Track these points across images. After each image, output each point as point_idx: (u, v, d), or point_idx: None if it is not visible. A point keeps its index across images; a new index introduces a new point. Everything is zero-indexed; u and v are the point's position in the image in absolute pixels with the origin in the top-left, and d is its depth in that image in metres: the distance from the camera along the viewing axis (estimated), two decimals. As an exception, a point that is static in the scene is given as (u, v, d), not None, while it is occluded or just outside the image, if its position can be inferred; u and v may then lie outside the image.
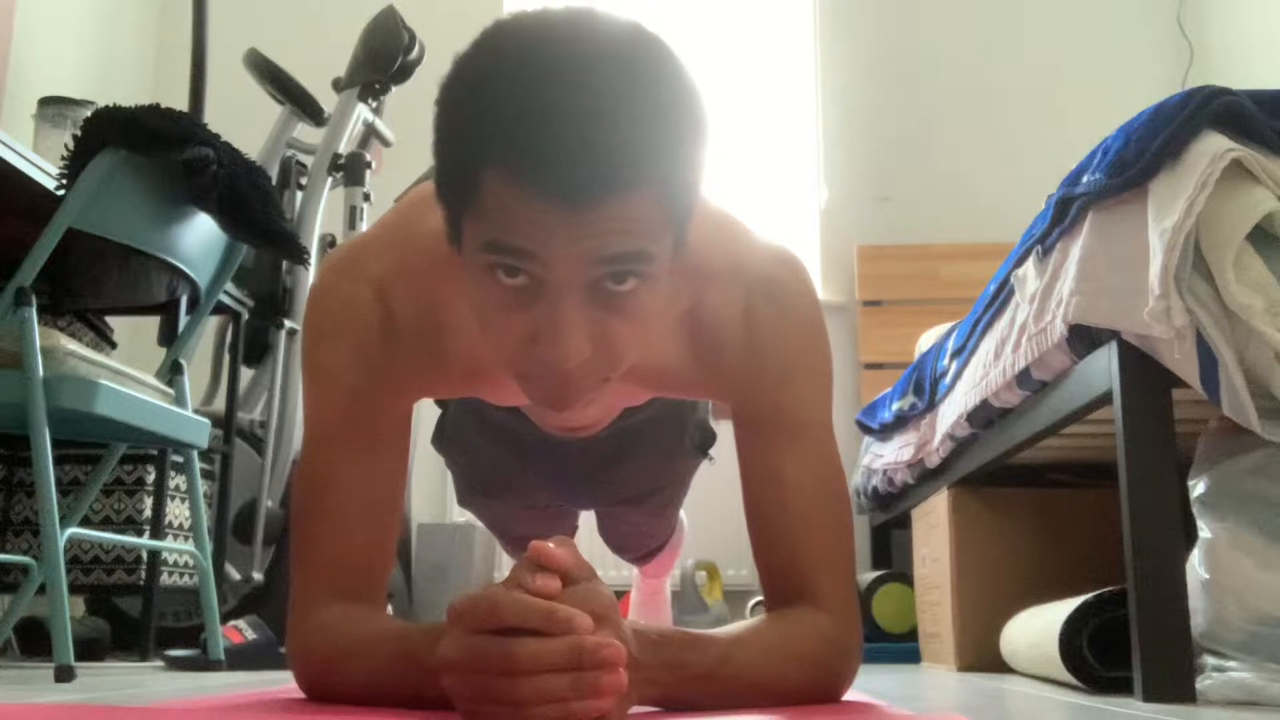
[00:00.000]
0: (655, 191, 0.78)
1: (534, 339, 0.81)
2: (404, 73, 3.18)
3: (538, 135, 0.74)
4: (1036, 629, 1.72)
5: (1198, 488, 1.41)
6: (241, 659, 2.10)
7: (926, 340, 2.95)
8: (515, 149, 0.75)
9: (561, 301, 0.79)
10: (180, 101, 2.58)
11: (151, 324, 2.91)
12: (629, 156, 0.75)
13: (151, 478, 2.56)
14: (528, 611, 0.73)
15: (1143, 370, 1.39)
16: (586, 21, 0.80)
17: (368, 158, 3.09)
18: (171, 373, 2.09)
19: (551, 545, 0.76)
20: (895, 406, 2.62)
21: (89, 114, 1.79)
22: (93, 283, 2.06)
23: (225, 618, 2.28)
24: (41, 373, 1.68)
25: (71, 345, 1.77)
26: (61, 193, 1.74)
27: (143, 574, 2.52)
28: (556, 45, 0.77)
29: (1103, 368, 1.46)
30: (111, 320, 2.68)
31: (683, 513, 1.91)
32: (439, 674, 0.77)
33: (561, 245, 0.76)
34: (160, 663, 2.21)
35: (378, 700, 0.92)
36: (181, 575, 2.63)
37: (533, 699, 0.72)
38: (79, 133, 1.75)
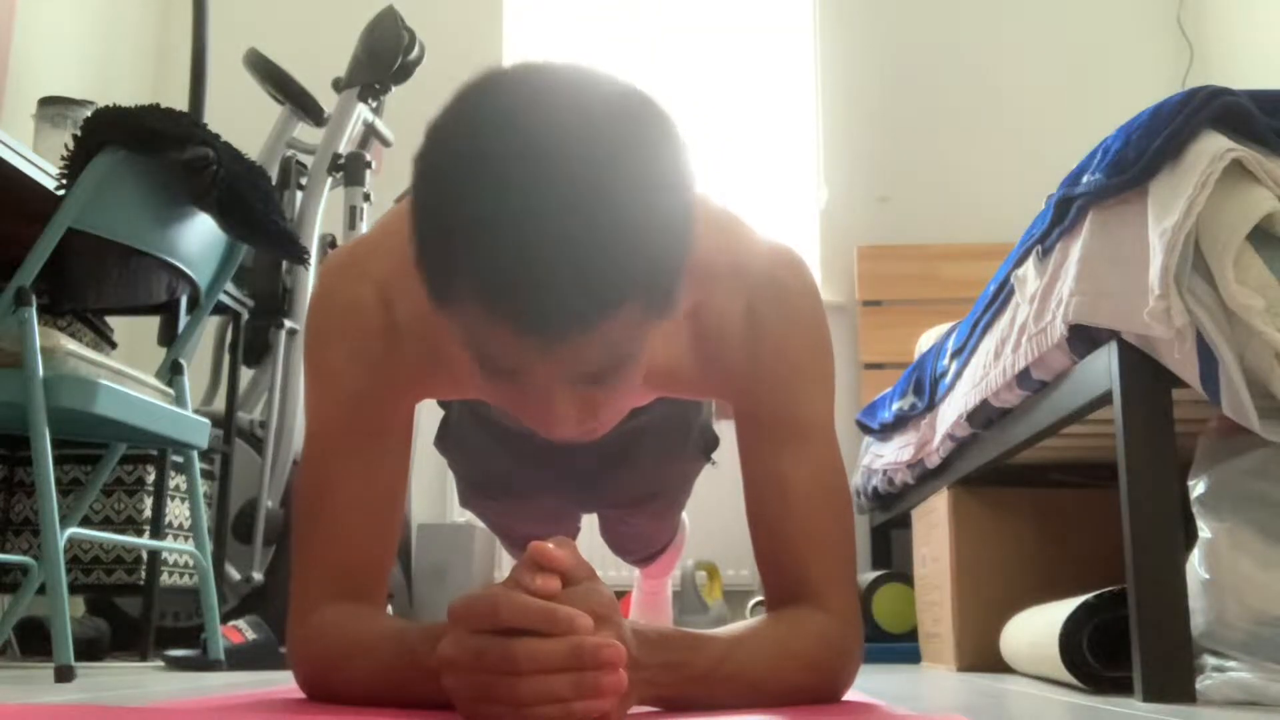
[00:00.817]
0: (636, 305, 0.75)
1: (524, 405, 0.82)
2: (404, 73, 3.18)
3: (507, 263, 0.71)
4: (1036, 629, 1.72)
5: (1198, 488, 1.41)
6: (241, 659, 2.10)
7: (926, 340, 2.95)
8: (485, 275, 0.72)
9: (547, 398, 0.80)
10: (180, 101, 2.59)
11: (151, 324, 2.91)
12: (604, 282, 0.72)
13: (151, 478, 2.56)
14: (528, 612, 0.73)
15: (1143, 370, 1.39)
16: (566, 97, 0.75)
17: (368, 158, 3.09)
18: (171, 373, 2.09)
19: (551, 546, 0.76)
20: (895, 406, 2.62)
21: (89, 114, 1.79)
22: (93, 283, 2.06)
23: (225, 618, 2.28)
24: (41, 373, 1.68)
25: (71, 345, 1.77)
26: (61, 193, 1.74)
27: (143, 574, 2.52)
28: (531, 134, 0.72)
29: (1103, 368, 1.46)
30: (111, 320, 2.68)
31: (684, 514, 1.91)
32: (439, 674, 0.77)
33: (541, 366, 0.76)
34: (160, 663, 2.21)
35: (378, 700, 0.92)
36: (181, 575, 2.63)
37: (533, 699, 0.72)
38: (79, 133, 1.75)
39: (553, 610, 0.73)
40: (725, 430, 1.31)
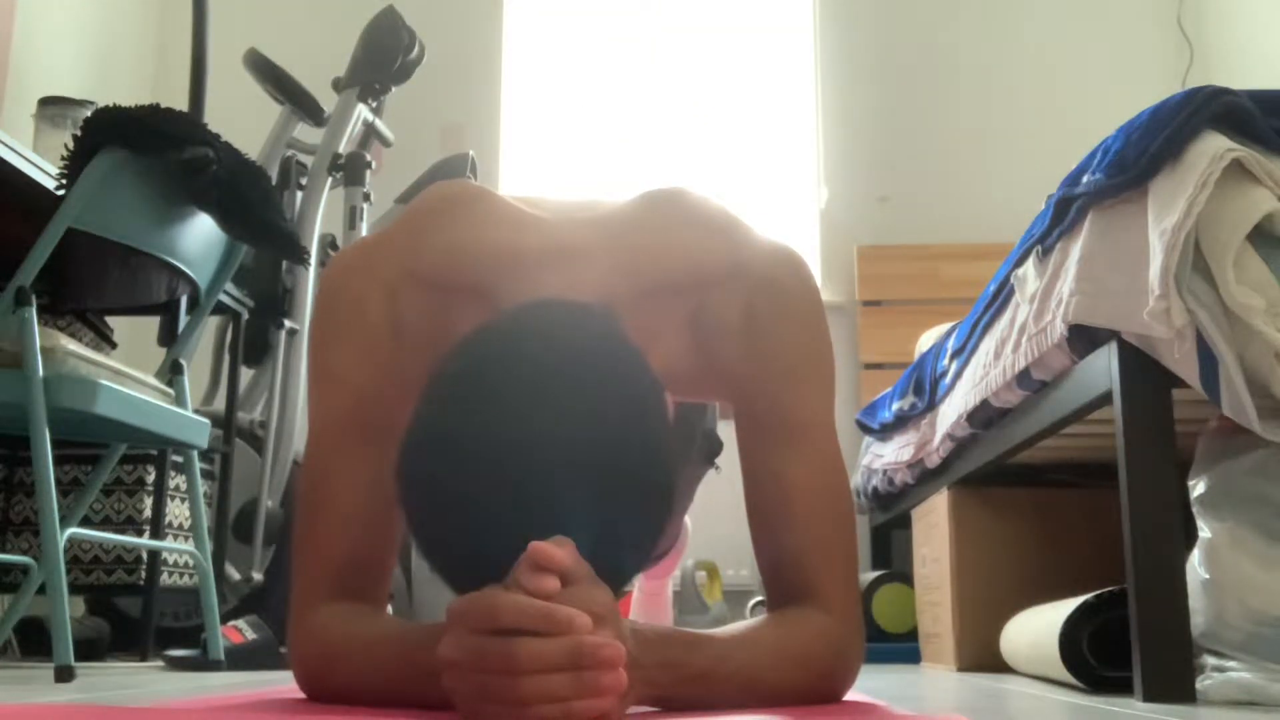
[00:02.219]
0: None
1: None
2: (404, 73, 3.18)
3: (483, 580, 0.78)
4: (1036, 629, 1.72)
5: (1198, 488, 1.41)
6: (241, 659, 2.10)
7: (926, 340, 2.95)
8: (462, 589, 0.80)
9: None
10: (180, 101, 2.59)
11: (151, 324, 2.91)
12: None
13: (151, 478, 2.56)
14: (527, 612, 0.73)
15: (1143, 370, 1.39)
16: (553, 393, 0.80)
17: (368, 158, 3.09)
18: (171, 373, 2.09)
19: (550, 545, 0.76)
20: (895, 406, 2.62)
21: (89, 114, 1.79)
22: (93, 283, 2.06)
23: (225, 618, 2.27)
24: (41, 373, 1.68)
25: (71, 345, 1.77)
26: (61, 193, 1.74)
27: (143, 574, 2.52)
28: (507, 452, 0.78)
29: (1103, 368, 1.46)
30: (111, 320, 2.68)
31: (686, 516, 1.91)
32: (439, 675, 0.77)
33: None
34: (160, 663, 2.21)
35: (377, 700, 0.92)
36: (181, 575, 2.63)
37: (533, 698, 0.72)
38: (79, 133, 1.75)
39: (551, 610, 0.73)
40: (727, 434, 1.31)
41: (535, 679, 0.72)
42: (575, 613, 0.73)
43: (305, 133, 3.20)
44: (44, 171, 1.89)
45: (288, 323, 2.92)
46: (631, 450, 0.80)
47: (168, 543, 2.51)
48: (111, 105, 1.79)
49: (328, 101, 3.16)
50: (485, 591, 0.75)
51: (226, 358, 2.87)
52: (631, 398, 0.82)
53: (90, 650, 2.52)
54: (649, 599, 2.32)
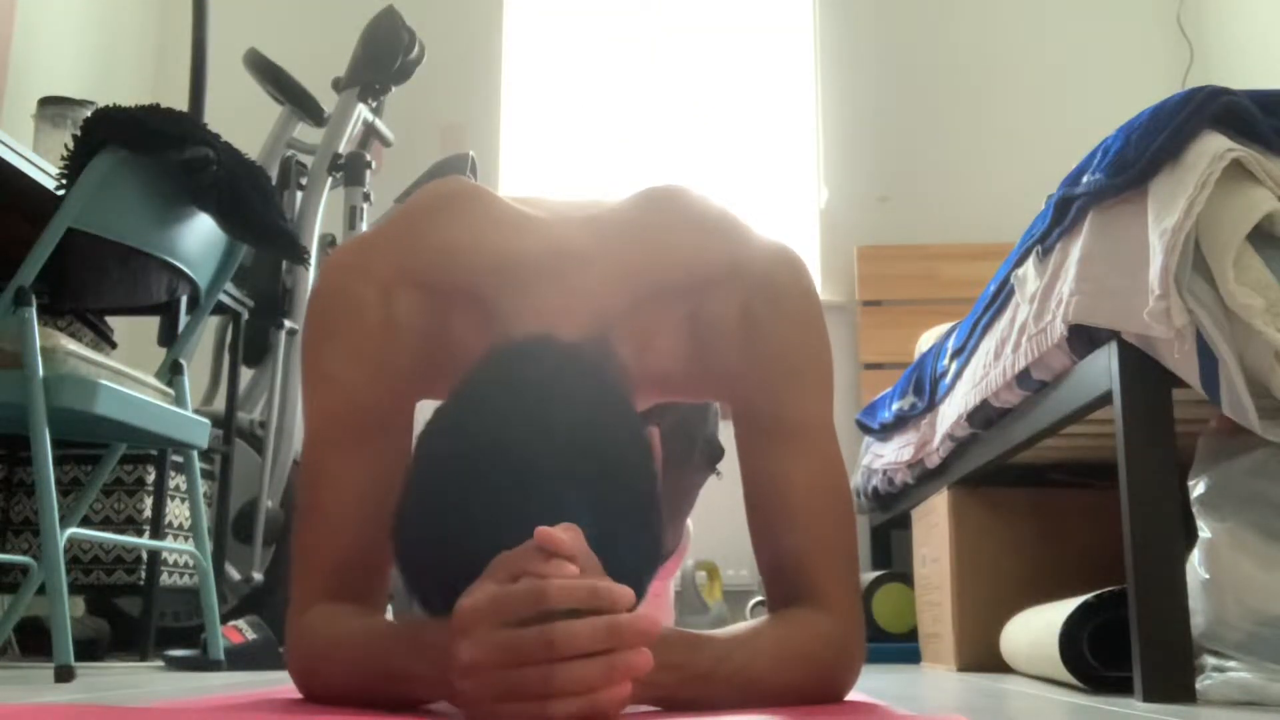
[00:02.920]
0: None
1: None
2: (404, 73, 3.18)
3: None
4: (1036, 629, 1.72)
5: (1198, 488, 1.41)
6: (241, 659, 2.10)
7: (926, 340, 2.95)
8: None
9: None
10: (180, 101, 2.59)
11: (151, 324, 2.91)
12: None
13: (151, 478, 2.56)
14: (575, 592, 0.71)
15: (1143, 370, 1.39)
16: (543, 432, 0.81)
17: (368, 158, 3.09)
18: (171, 373, 2.09)
19: (556, 530, 0.74)
20: (895, 406, 2.62)
21: (89, 114, 1.79)
22: (93, 283, 2.06)
23: (225, 618, 2.27)
24: (41, 373, 1.68)
25: (71, 345, 1.77)
26: (61, 193, 1.74)
27: (143, 574, 2.52)
28: (506, 492, 0.79)
29: (1103, 368, 1.46)
30: (111, 320, 2.68)
31: (688, 519, 1.91)
32: (399, 677, 0.77)
33: None
34: (160, 663, 2.21)
35: (357, 700, 0.92)
36: (181, 575, 2.63)
37: (566, 687, 0.70)
38: (79, 133, 1.75)
39: (595, 586, 0.72)
40: (727, 436, 1.30)
41: (570, 666, 0.70)
42: (616, 587, 0.72)
43: (305, 133, 3.20)
44: (44, 171, 1.89)
45: (287, 323, 2.92)
46: (614, 510, 0.82)
47: (168, 543, 2.51)
48: (111, 105, 1.79)
49: (328, 101, 3.16)
50: (522, 584, 0.72)
51: (226, 358, 2.87)
52: (616, 460, 0.83)
53: (90, 650, 2.52)
54: (650, 600, 2.32)
